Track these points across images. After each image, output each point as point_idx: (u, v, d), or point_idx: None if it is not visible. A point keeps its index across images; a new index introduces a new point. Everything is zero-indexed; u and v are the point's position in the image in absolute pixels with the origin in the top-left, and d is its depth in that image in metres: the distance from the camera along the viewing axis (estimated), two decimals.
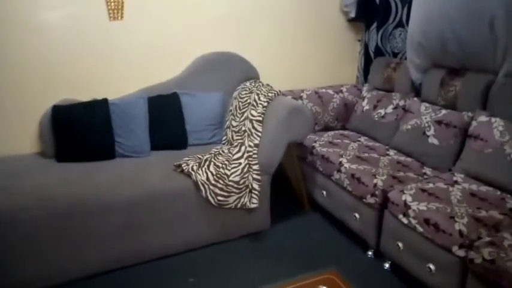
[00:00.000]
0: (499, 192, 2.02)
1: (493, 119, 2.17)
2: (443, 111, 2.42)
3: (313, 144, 2.73)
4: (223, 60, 2.86)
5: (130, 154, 2.45)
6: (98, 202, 2.05)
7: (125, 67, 2.70)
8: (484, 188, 2.07)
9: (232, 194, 2.26)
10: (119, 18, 2.62)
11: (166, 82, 2.76)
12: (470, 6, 2.24)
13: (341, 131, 3.04)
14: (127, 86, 2.67)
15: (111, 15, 2.59)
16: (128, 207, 2.09)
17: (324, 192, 2.62)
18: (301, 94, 3.03)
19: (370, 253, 2.31)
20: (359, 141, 2.80)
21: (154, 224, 2.17)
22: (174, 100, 2.63)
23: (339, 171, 2.43)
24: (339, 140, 2.79)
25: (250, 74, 2.91)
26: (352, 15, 3.26)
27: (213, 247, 2.35)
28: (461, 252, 1.72)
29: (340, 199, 2.46)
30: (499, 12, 2.13)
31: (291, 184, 2.87)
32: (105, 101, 2.48)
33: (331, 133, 2.98)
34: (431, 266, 1.87)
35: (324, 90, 3.11)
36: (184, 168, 2.26)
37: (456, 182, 2.13)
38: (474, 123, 2.24)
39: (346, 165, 2.40)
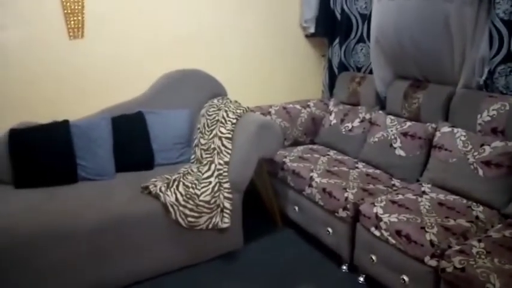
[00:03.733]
0: (465, 201, 2.08)
1: (455, 130, 2.24)
2: (408, 123, 2.48)
3: (284, 159, 2.72)
4: (189, 78, 2.82)
5: (94, 177, 2.35)
6: (61, 229, 1.93)
7: (86, 87, 2.62)
8: (450, 197, 2.12)
9: (203, 214, 2.20)
10: (80, 36, 2.54)
11: (130, 101, 2.68)
12: (426, 19, 2.33)
13: (310, 146, 3.06)
14: (89, 107, 2.57)
15: (71, 33, 2.50)
16: (94, 233, 1.98)
17: (296, 208, 2.60)
18: (270, 110, 3.03)
19: (344, 267, 2.30)
20: (328, 155, 2.82)
21: (122, 250, 2.07)
22: (138, 119, 2.56)
23: (310, 186, 2.42)
24: (308, 155, 2.80)
25: (218, 91, 2.88)
26: (312, 30, 3.32)
27: (184, 271, 2.27)
28: (433, 262, 1.74)
29: (313, 214, 2.45)
30: (455, 26, 2.23)
31: (262, 201, 2.84)
32: (65, 122, 2.37)
33: (300, 148, 2.99)
34: (405, 277, 1.88)
35: (291, 105, 3.13)
36: (151, 189, 2.18)
37: (424, 192, 2.17)
38: (438, 134, 2.31)
39: (317, 179, 2.40)
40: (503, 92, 2.23)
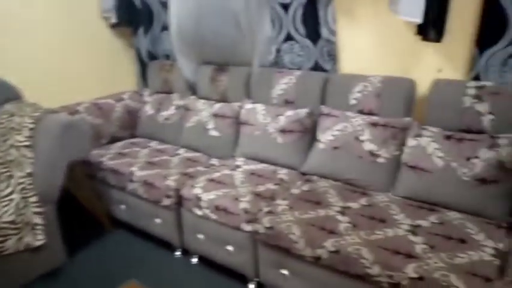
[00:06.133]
0: (272, 167, 2.33)
1: (256, 105, 2.47)
2: (218, 105, 2.63)
3: (101, 159, 2.57)
4: None
5: None
6: None
7: None
8: (260, 166, 2.34)
9: (9, 237, 1.92)
10: None
11: None
12: (218, 6, 2.48)
13: (131, 140, 2.96)
14: None
15: None
16: None
17: (123, 206, 2.51)
18: (78, 108, 2.79)
19: (177, 253, 2.34)
20: (149, 146, 2.79)
21: None
22: None
23: (131, 181, 2.36)
24: (128, 150, 2.71)
25: (10, 95, 2.50)
26: (114, 20, 3.17)
27: None
28: (248, 227, 1.91)
29: (140, 209, 2.41)
30: (241, 12, 2.43)
31: (85, 206, 2.64)
32: None
33: (120, 144, 2.87)
34: (230, 248, 2.02)
35: (103, 100, 2.96)
36: None
37: (238, 166, 2.35)
38: (243, 111, 2.51)
39: (138, 173, 2.35)
40: (289, 67, 2.56)
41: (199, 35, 2.60)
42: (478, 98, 1.86)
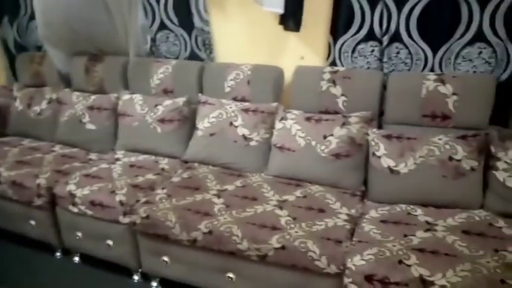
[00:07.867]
0: (153, 157, 2.32)
1: (133, 96, 2.43)
2: (93, 97, 2.53)
3: None
4: None
5: None
6: None
7: None
8: (141, 158, 2.32)
9: None
10: None
11: None
12: None
13: (1, 139, 2.71)
14: None
15: None
16: None
17: None
18: None
19: (58, 254, 2.24)
20: (21, 145, 2.59)
21: None
22: None
23: None
24: None
25: None
26: None
27: None
28: (126, 220, 1.90)
29: (11, 212, 2.25)
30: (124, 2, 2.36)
31: None
32: None
33: None
34: (110, 242, 1.99)
35: None
36: None
37: (117, 159, 2.30)
38: (120, 102, 2.45)
39: (5, 174, 2.19)
40: (166, 56, 2.56)
41: (68, 24, 2.45)
42: (332, 82, 2.07)
